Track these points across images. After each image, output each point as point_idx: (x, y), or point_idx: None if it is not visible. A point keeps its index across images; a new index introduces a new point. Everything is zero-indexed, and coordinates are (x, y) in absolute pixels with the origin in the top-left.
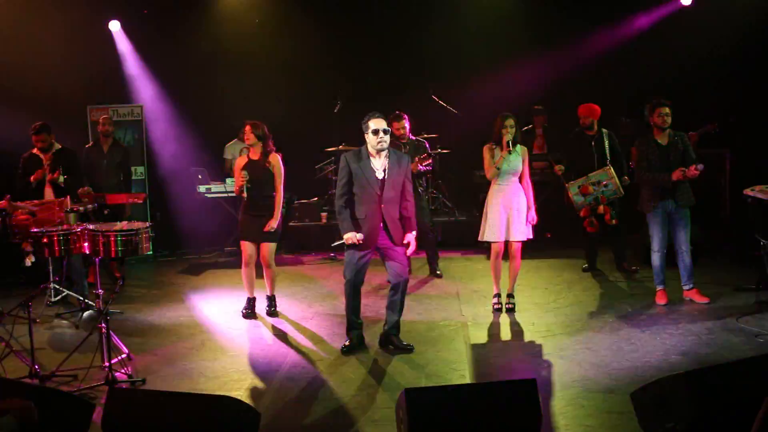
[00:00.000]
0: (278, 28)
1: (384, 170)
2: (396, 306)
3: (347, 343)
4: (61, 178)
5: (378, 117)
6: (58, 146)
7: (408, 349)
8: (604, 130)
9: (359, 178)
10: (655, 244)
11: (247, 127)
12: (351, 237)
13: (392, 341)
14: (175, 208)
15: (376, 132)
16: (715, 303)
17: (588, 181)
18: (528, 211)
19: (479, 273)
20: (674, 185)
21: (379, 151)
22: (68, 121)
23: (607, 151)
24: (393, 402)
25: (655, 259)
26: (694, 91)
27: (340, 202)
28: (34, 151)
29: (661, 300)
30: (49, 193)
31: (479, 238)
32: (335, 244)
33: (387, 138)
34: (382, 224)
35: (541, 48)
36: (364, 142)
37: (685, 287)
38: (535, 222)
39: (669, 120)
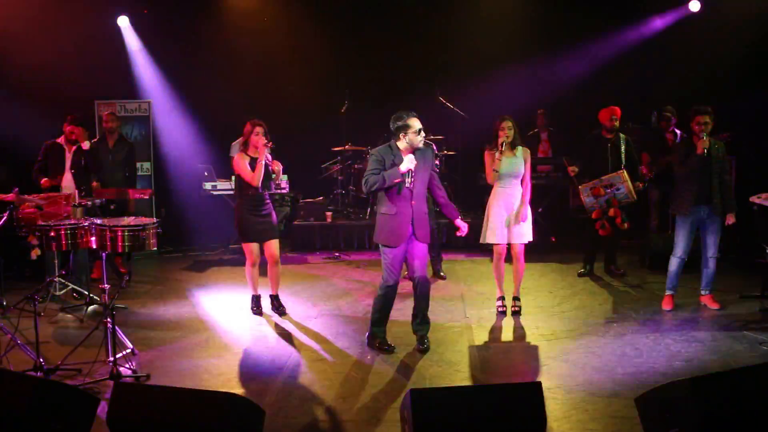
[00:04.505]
0: (286, 27)
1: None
2: (420, 305)
3: (379, 344)
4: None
5: (415, 116)
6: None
7: (423, 350)
8: (621, 135)
9: None
10: (678, 250)
11: (260, 128)
12: (410, 159)
13: (417, 339)
14: (181, 205)
15: (419, 132)
16: (720, 310)
17: (600, 184)
18: (522, 207)
19: (483, 275)
20: (711, 192)
21: (413, 149)
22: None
23: (623, 156)
24: (397, 402)
25: (673, 263)
26: (700, 98)
27: (368, 177)
28: (59, 140)
29: (667, 305)
30: (68, 182)
31: (480, 240)
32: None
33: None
34: (411, 220)
35: (548, 52)
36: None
37: (703, 292)
38: (525, 219)
39: (708, 128)
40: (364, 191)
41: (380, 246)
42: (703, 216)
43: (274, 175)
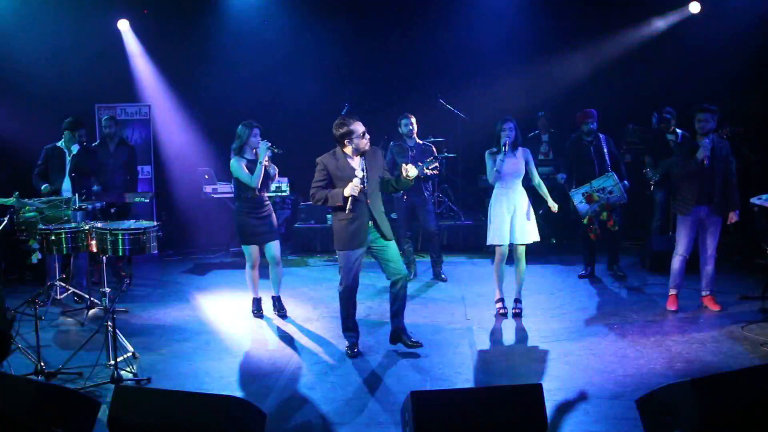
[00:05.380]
0: (287, 30)
1: (363, 167)
2: (402, 304)
3: (351, 348)
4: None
5: (357, 119)
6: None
7: (418, 345)
8: (601, 135)
9: (340, 179)
10: (679, 248)
11: (258, 130)
12: (354, 185)
13: (402, 340)
14: (181, 208)
15: (363, 134)
16: (721, 311)
17: (592, 189)
18: (547, 205)
19: (484, 277)
20: (713, 192)
21: (361, 152)
22: None
23: (607, 157)
24: (398, 405)
25: (675, 262)
26: (701, 99)
27: (314, 191)
28: (58, 143)
29: (671, 305)
30: (66, 188)
31: (487, 242)
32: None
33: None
34: (371, 221)
35: (549, 53)
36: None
37: (703, 293)
38: (554, 207)
39: (707, 126)
40: (311, 202)
41: (340, 252)
42: (702, 215)
43: (273, 173)
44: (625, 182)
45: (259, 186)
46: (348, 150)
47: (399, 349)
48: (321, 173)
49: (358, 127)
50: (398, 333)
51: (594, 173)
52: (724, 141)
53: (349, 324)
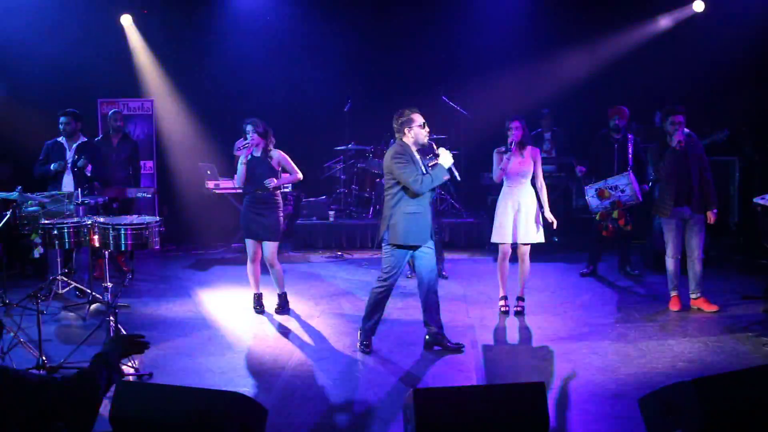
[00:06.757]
0: (289, 26)
1: (423, 164)
2: (437, 303)
3: (367, 344)
4: (82, 163)
5: (417, 111)
6: (83, 138)
7: (458, 349)
8: (629, 135)
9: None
10: (670, 250)
11: (249, 127)
12: (447, 157)
13: (441, 342)
14: (183, 203)
15: (423, 125)
16: (723, 311)
17: (606, 186)
18: (542, 211)
19: (486, 275)
20: (691, 191)
21: (421, 145)
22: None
23: (630, 157)
24: (400, 402)
25: (669, 264)
26: (705, 98)
27: (418, 178)
28: (59, 139)
29: (674, 306)
30: (68, 183)
31: (491, 240)
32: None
33: None
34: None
35: (552, 51)
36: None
37: (692, 296)
38: (552, 221)
39: (682, 128)
40: (420, 191)
41: (394, 246)
42: (685, 216)
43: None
44: (645, 186)
45: (240, 184)
46: (408, 140)
47: (400, 348)
48: (412, 162)
49: (418, 117)
50: (435, 336)
51: (613, 171)
52: (697, 140)
53: (374, 322)
